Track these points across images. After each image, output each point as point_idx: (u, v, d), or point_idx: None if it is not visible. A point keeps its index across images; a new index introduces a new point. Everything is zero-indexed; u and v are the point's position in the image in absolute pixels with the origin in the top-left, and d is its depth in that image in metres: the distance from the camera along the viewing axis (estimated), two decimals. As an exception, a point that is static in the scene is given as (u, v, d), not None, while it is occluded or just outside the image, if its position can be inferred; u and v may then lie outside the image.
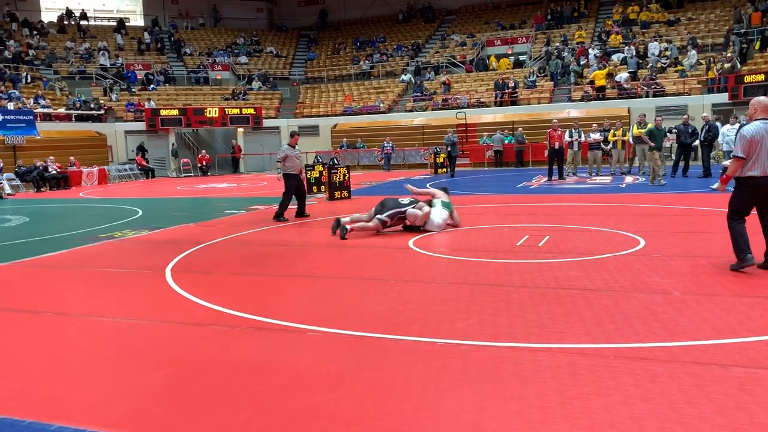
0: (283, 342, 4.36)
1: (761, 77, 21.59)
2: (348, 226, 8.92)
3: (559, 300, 5.10)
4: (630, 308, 4.77)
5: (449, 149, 20.53)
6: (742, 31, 26.03)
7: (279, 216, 10.84)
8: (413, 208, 9.04)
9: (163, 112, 28.53)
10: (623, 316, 4.56)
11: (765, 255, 5.85)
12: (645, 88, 24.88)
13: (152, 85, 31.68)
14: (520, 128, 24.52)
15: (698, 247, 7.10)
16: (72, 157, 23.84)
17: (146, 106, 28.92)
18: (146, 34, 35.96)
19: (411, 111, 29.05)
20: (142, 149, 27.55)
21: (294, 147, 11.25)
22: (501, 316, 4.73)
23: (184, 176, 27.37)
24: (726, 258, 6.42)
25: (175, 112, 28.67)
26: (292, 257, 7.56)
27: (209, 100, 31.37)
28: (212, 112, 28.92)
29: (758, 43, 25.70)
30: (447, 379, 3.55)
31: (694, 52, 25.82)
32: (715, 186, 5.92)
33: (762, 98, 5.78)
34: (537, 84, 27.76)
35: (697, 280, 5.58)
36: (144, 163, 27.20)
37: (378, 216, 8.97)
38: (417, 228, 9.12)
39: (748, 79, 21.94)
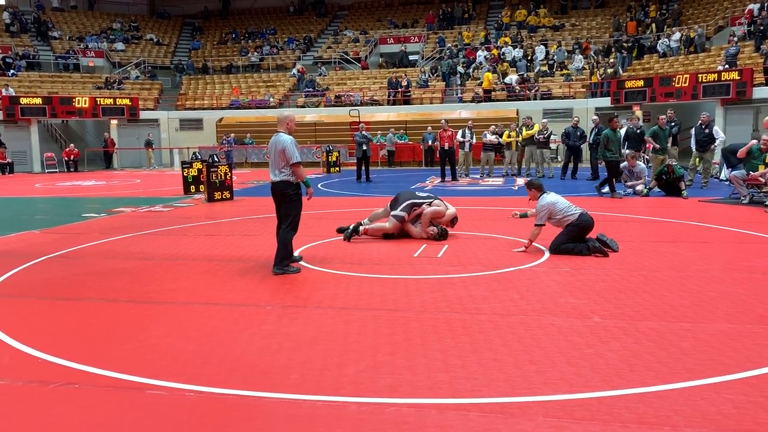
0: (109, 407, 3.21)
1: (640, 83, 22.44)
2: (361, 227, 7.94)
3: (466, 330, 4.31)
4: (548, 340, 4.06)
5: (365, 149, 17.02)
6: (623, 39, 27.10)
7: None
8: (434, 201, 8.01)
9: (24, 101, 25.45)
10: (543, 352, 3.83)
11: (275, 259, 6.23)
12: (532, 91, 25.23)
13: (12, 71, 28.31)
14: (429, 127, 23.40)
15: (604, 258, 6.63)
16: None
17: (3, 93, 25.70)
18: (6, 14, 32.16)
19: (303, 107, 27.87)
20: (-1, 142, 24.44)
21: None
22: (399, 355, 3.86)
23: (48, 172, 24.60)
24: (637, 271, 5.96)
25: (38, 100, 25.65)
26: (152, 275, 6.29)
27: (79, 88, 28.46)
28: (82, 102, 26.18)
29: (635, 50, 26.90)
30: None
31: (580, 56, 26.56)
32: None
33: (284, 112, 6.53)
34: (429, 84, 27.48)
35: (613, 300, 5.00)
36: (2, 158, 24.10)
37: (393, 213, 7.93)
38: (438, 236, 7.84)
39: (628, 84, 22.74)
